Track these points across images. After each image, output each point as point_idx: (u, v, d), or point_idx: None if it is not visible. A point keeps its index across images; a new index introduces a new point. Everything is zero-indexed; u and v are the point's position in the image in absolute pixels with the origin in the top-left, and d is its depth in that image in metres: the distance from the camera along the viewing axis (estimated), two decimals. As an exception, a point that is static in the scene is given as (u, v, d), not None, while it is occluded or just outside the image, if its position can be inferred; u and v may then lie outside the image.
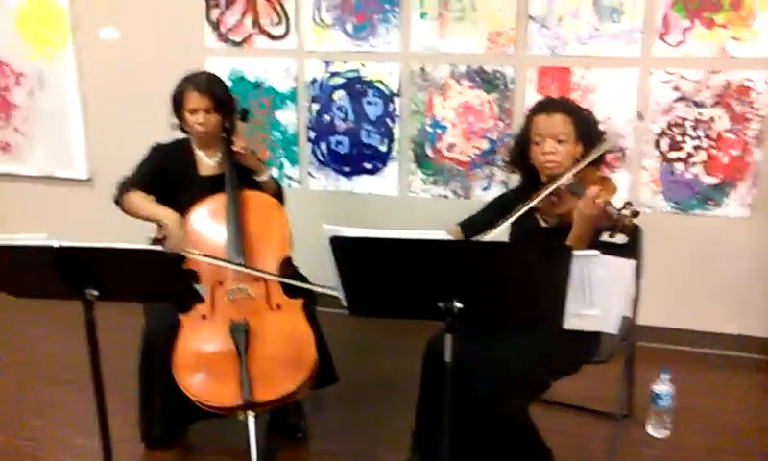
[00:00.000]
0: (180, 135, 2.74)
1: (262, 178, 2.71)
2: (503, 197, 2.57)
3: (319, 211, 3.60)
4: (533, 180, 2.39)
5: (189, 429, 2.62)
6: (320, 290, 2.27)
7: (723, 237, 3.22)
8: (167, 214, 2.54)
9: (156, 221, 2.57)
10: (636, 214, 2.01)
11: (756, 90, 3.03)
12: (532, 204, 2.20)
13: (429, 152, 3.47)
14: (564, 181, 2.19)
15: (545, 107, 2.33)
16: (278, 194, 2.79)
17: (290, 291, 2.44)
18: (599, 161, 2.37)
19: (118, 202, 2.62)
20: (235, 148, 2.63)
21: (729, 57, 3.02)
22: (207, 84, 2.59)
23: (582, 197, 2.10)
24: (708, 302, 3.32)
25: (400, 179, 3.55)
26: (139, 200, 2.59)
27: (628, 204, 2.03)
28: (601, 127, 2.52)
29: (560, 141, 2.25)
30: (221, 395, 2.18)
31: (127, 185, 2.62)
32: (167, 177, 2.65)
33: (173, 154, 2.69)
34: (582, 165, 2.22)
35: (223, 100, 2.63)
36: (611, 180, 2.26)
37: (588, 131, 2.31)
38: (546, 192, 2.18)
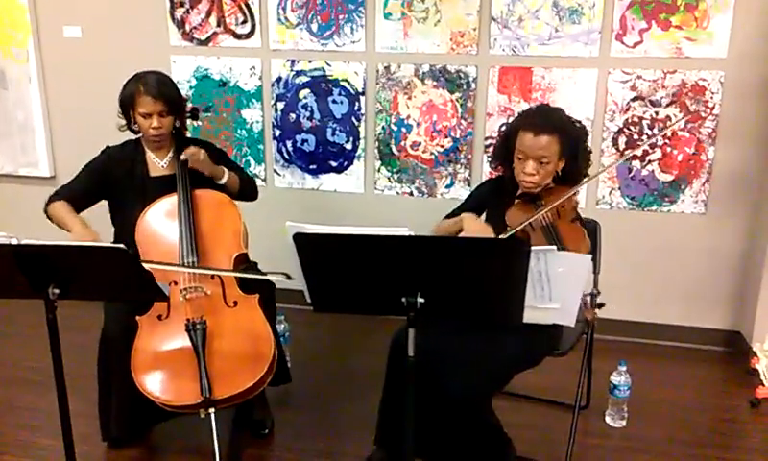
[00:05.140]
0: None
1: (222, 181, 2.66)
2: (483, 188, 2.59)
3: (284, 209, 3.61)
4: (512, 179, 2.41)
5: (153, 428, 2.62)
6: (273, 278, 2.33)
7: (679, 233, 3.31)
8: (75, 226, 2.43)
9: (66, 230, 2.47)
10: (599, 305, 2.08)
11: (710, 90, 3.12)
12: (513, 230, 2.20)
13: (394, 150, 3.51)
14: (542, 215, 2.22)
15: (534, 125, 2.24)
16: (245, 183, 2.77)
17: (246, 287, 2.46)
18: (578, 174, 2.39)
19: (45, 211, 2.55)
20: (184, 156, 2.56)
21: (684, 57, 3.12)
22: (159, 88, 2.53)
23: (548, 239, 2.16)
24: (665, 295, 3.41)
25: (366, 176, 3.59)
26: (58, 211, 2.51)
27: (596, 292, 2.09)
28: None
29: (542, 163, 2.24)
30: (180, 394, 2.18)
31: (57, 195, 2.56)
32: (114, 180, 2.61)
33: (122, 156, 2.64)
34: (562, 200, 2.24)
35: (176, 101, 2.59)
36: (585, 237, 2.25)
37: (574, 147, 2.30)
38: (526, 222, 2.20)
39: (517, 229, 2.20)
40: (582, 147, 2.37)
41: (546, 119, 2.28)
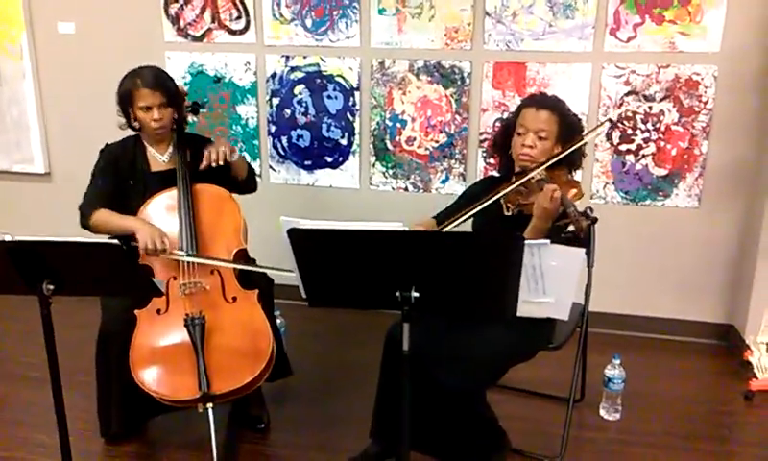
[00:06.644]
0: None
1: (233, 157, 2.62)
2: (476, 186, 2.61)
3: (280, 205, 3.58)
4: (508, 168, 2.45)
5: (150, 423, 2.63)
6: (274, 271, 2.36)
7: (673, 227, 3.33)
8: (136, 224, 2.45)
9: (127, 233, 2.46)
10: (592, 220, 2.06)
11: (703, 84, 3.14)
12: (501, 194, 2.25)
13: (389, 145, 3.52)
14: (534, 174, 2.24)
15: (536, 101, 2.38)
16: (252, 176, 2.78)
17: (246, 282, 2.46)
18: (573, 164, 2.42)
19: (86, 227, 2.55)
20: (204, 165, 2.52)
21: (677, 52, 3.13)
22: (157, 79, 2.54)
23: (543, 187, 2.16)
24: (659, 289, 3.43)
25: (361, 172, 3.59)
26: (106, 218, 2.52)
27: (589, 209, 2.09)
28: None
29: (540, 138, 2.30)
30: (179, 388, 2.20)
31: (89, 207, 2.55)
32: (119, 176, 2.61)
33: (122, 153, 2.64)
34: (553, 160, 2.27)
35: (174, 93, 2.60)
36: (579, 184, 2.30)
37: (570, 135, 2.35)
38: (517, 184, 2.24)
39: (513, 187, 2.23)
40: (577, 138, 2.39)
41: (548, 99, 2.42)
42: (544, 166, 2.26)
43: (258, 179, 3.62)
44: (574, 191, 2.19)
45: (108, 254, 1.81)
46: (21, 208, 4.02)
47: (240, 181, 2.71)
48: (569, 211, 2.04)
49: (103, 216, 2.53)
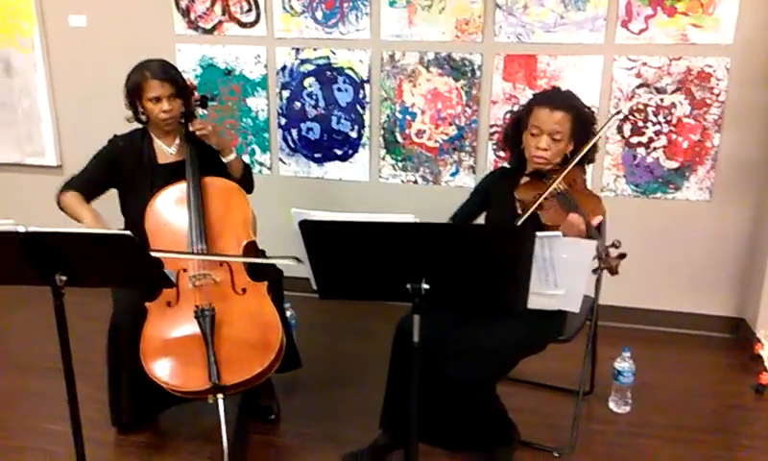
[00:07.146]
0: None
1: (229, 158, 2.68)
2: (489, 178, 2.61)
3: (290, 198, 3.61)
4: (519, 160, 2.44)
5: (162, 414, 2.64)
6: (281, 261, 2.30)
7: (684, 220, 3.31)
8: (86, 216, 2.46)
9: (78, 221, 2.49)
10: (621, 256, 2.01)
11: (715, 76, 3.12)
12: (531, 211, 2.21)
13: (399, 138, 3.51)
14: (556, 185, 2.23)
15: (551, 100, 2.33)
16: (247, 174, 2.79)
17: (255, 274, 2.47)
18: (587, 160, 2.42)
19: (57, 203, 2.57)
20: (192, 128, 2.60)
21: (689, 44, 3.11)
22: (165, 71, 2.57)
23: (565, 205, 2.16)
24: (670, 282, 3.42)
25: (371, 165, 3.59)
26: (69, 201, 2.53)
27: (617, 242, 2.04)
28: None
29: (555, 140, 2.28)
30: (189, 379, 2.21)
31: (66, 187, 2.57)
32: (123, 168, 2.63)
33: (130, 145, 2.65)
34: (568, 170, 2.26)
35: (182, 84, 2.62)
36: (599, 200, 2.29)
37: (583, 130, 2.34)
38: (540, 199, 2.21)
39: (537, 202, 2.21)
40: (590, 132, 2.39)
41: (562, 97, 2.38)
42: (563, 175, 2.24)
43: (269, 171, 3.68)
44: (599, 218, 2.15)
45: (120, 245, 1.82)
46: (34, 201, 4.03)
47: (235, 180, 2.71)
48: (597, 249, 2.00)
49: (71, 200, 2.53)
